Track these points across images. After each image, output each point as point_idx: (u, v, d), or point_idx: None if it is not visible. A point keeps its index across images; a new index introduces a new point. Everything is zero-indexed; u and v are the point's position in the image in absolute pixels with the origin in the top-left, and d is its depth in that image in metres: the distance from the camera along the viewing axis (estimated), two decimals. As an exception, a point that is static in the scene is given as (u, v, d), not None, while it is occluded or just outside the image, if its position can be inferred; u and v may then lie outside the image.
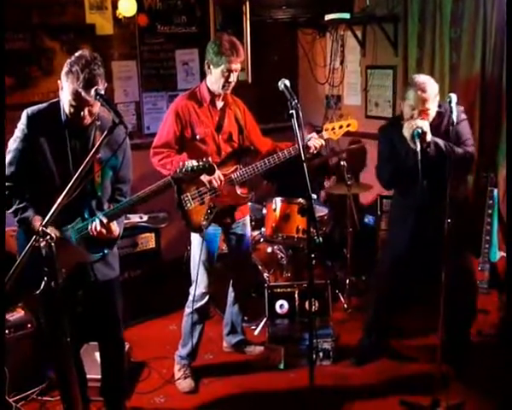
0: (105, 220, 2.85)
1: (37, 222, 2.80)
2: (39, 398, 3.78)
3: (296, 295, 4.38)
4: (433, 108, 3.58)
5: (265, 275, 4.58)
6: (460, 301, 3.87)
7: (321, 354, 4.16)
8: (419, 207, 3.62)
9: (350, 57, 5.98)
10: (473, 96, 4.61)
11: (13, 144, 2.90)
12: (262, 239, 4.90)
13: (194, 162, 2.95)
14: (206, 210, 3.71)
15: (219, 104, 3.81)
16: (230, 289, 4.28)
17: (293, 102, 2.81)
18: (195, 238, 3.86)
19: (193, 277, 3.87)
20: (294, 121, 2.79)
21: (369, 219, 5.51)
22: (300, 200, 4.48)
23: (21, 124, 2.89)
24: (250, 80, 6.08)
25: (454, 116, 3.31)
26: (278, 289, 4.41)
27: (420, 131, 3.42)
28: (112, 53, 5.33)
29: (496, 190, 4.25)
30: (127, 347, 3.96)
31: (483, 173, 4.34)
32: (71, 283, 2.80)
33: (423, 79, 3.59)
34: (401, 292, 4.07)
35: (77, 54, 2.76)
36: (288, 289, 4.41)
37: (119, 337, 3.37)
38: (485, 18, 4.54)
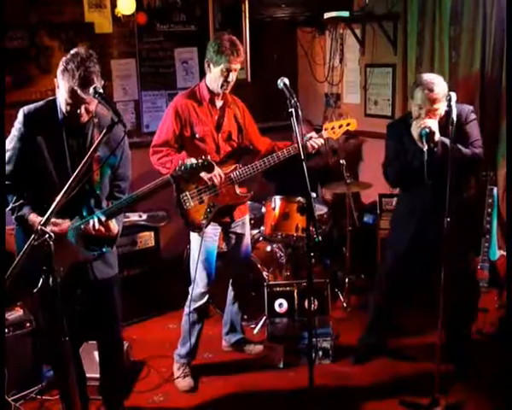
0: (103, 219, 2.84)
1: (34, 219, 2.80)
2: (38, 397, 3.77)
3: (295, 294, 4.38)
4: (441, 107, 3.53)
5: (265, 274, 4.58)
6: (462, 301, 3.87)
7: (320, 353, 4.16)
8: (424, 207, 3.60)
9: (349, 56, 5.97)
10: (472, 94, 4.60)
11: (10, 143, 2.88)
12: (261, 238, 4.90)
13: (193, 160, 2.94)
14: (205, 209, 3.70)
15: (219, 103, 3.80)
16: (230, 288, 4.27)
17: (293, 101, 2.80)
18: (195, 237, 3.85)
19: (192, 276, 3.86)
20: (294, 120, 2.78)
21: (368, 217, 5.51)
22: (300, 198, 4.47)
23: (18, 122, 2.88)
24: (249, 79, 6.07)
25: (454, 115, 3.29)
26: (277, 288, 4.41)
27: (427, 130, 3.40)
28: (111, 51, 5.33)
29: (495, 189, 4.24)
30: (126, 346, 3.96)
31: (482, 172, 4.32)
32: (70, 281, 2.80)
33: (431, 77, 3.55)
34: (403, 291, 4.05)
35: (72, 51, 2.75)
36: (288, 288, 4.40)
37: (118, 336, 3.37)
38: (484, 16, 4.53)
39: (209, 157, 2.98)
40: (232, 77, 3.65)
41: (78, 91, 2.69)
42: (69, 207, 2.66)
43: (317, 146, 3.78)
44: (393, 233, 4.14)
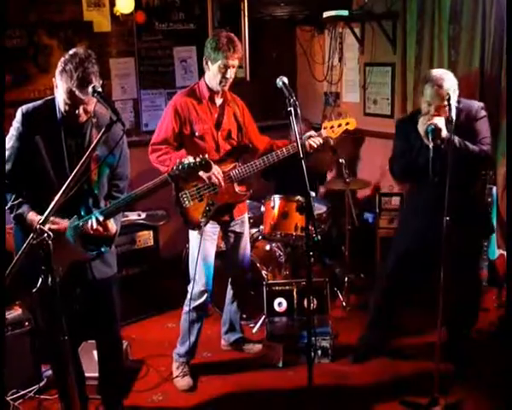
0: (101, 218, 2.83)
1: (33, 217, 2.79)
2: (37, 396, 3.77)
3: (294, 293, 4.37)
4: (451, 103, 3.50)
5: (264, 273, 4.57)
6: (465, 300, 3.86)
7: (319, 352, 4.16)
8: (429, 205, 3.58)
9: (348, 54, 5.97)
10: (471, 93, 4.59)
11: (8, 142, 2.88)
12: (260, 237, 4.90)
13: (191, 159, 2.94)
14: (204, 207, 3.70)
15: (218, 101, 3.80)
16: (229, 287, 4.27)
17: (292, 100, 2.80)
18: (194, 236, 3.85)
19: (191, 274, 3.86)
20: (293, 119, 2.78)
21: (367, 216, 5.51)
22: (299, 197, 4.47)
23: (16, 122, 2.87)
24: (248, 77, 6.07)
25: (453, 113, 3.29)
26: (276, 287, 4.40)
27: (433, 127, 3.38)
28: (109, 50, 5.32)
29: (494, 188, 4.25)
30: (125, 345, 3.96)
31: (482, 171, 4.33)
32: (68, 281, 2.79)
33: (440, 73, 3.52)
34: (405, 291, 4.04)
35: (71, 52, 2.74)
36: (287, 287, 4.40)
37: (117, 335, 3.36)
38: (484, 15, 4.54)
39: (206, 155, 2.98)
40: (230, 73, 3.65)
41: (77, 92, 2.68)
42: (67, 207, 2.66)
43: (315, 145, 3.77)
44: (399, 230, 4.13)
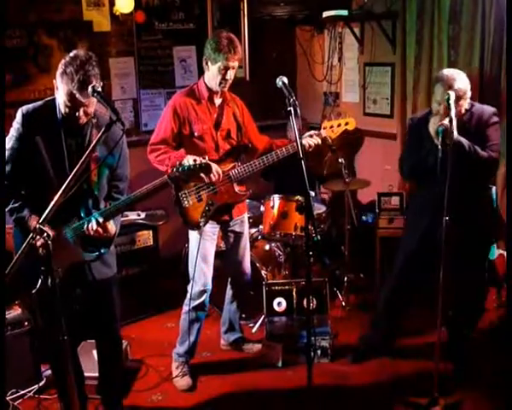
0: (101, 220, 2.84)
1: (34, 221, 2.79)
2: (36, 396, 3.77)
3: (294, 293, 4.38)
4: (462, 104, 3.51)
5: (263, 273, 4.57)
6: (469, 302, 3.86)
7: (319, 352, 4.16)
8: (436, 205, 3.55)
9: (348, 54, 5.97)
10: (471, 93, 4.59)
11: (8, 143, 2.88)
12: (260, 237, 4.90)
13: (191, 161, 2.95)
14: (204, 207, 3.70)
15: (218, 101, 3.80)
16: (228, 286, 4.27)
17: (291, 100, 2.80)
18: (193, 236, 3.85)
19: (191, 274, 3.86)
20: (292, 118, 2.78)
21: (367, 216, 5.51)
22: (298, 197, 4.47)
23: (16, 123, 2.87)
24: (248, 77, 6.06)
25: (452, 113, 3.29)
26: (276, 287, 4.40)
27: (443, 128, 3.34)
28: (109, 50, 5.31)
29: (494, 188, 4.25)
30: (125, 345, 3.96)
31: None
32: (68, 281, 2.79)
33: (452, 73, 3.51)
34: (412, 291, 4.03)
35: (71, 54, 2.73)
36: (286, 287, 4.40)
37: (117, 335, 3.36)
38: (483, 15, 4.54)
39: (207, 157, 2.99)
40: (230, 75, 3.65)
41: (77, 95, 2.68)
42: (67, 208, 2.66)
43: (313, 144, 3.76)
44: (406, 231, 4.12)
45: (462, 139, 3.41)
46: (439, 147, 3.30)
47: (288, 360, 4.14)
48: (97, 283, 3.07)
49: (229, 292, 4.28)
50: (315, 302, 4.33)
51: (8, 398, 3.64)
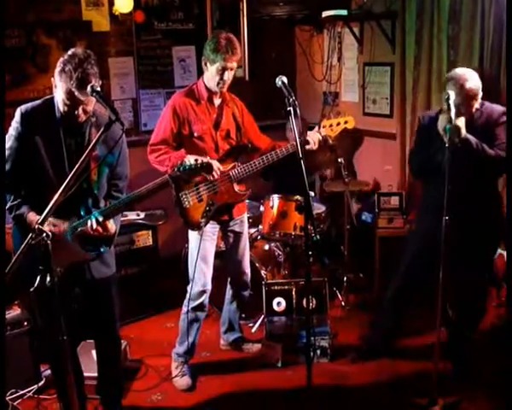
0: (101, 219, 2.83)
1: (33, 217, 2.79)
2: (36, 396, 3.77)
3: (293, 293, 4.38)
4: (473, 104, 3.50)
5: (263, 272, 4.57)
6: (472, 303, 3.85)
7: (318, 352, 4.16)
8: (441, 205, 3.53)
9: (347, 54, 5.97)
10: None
11: (7, 143, 2.87)
12: (259, 236, 4.89)
13: (192, 161, 2.94)
14: (204, 208, 3.70)
15: (217, 101, 3.80)
16: (228, 286, 4.27)
17: (291, 99, 2.79)
18: (193, 236, 3.85)
19: (190, 274, 3.86)
20: (292, 118, 2.78)
21: (366, 216, 5.51)
22: (298, 197, 4.47)
23: (15, 122, 2.87)
24: (247, 77, 6.06)
25: (452, 113, 3.29)
26: (275, 287, 4.40)
27: (451, 125, 3.31)
28: (108, 50, 5.31)
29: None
30: (124, 345, 3.96)
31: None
32: (67, 281, 2.79)
33: (464, 72, 3.49)
34: (417, 290, 4.02)
35: (70, 52, 2.73)
36: (286, 287, 4.40)
37: (116, 335, 3.36)
38: (482, 15, 4.54)
39: (208, 157, 2.99)
40: (228, 75, 3.65)
41: (76, 93, 2.68)
42: (67, 207, 2.66)
43: (317, 139, 3.76)
44: (413, 230, 4.11)
45: (470, 137, 3.40)
46: (447, 145, 3.29)
47: (287, 359, 4.14)
48: (96, 282, 3.06)
49: (228, 292, 4.28)
50: (314, 302, 4.33)
51: (7, 398, 3.64)
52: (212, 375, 4.07)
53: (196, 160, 2.97)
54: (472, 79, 3.46)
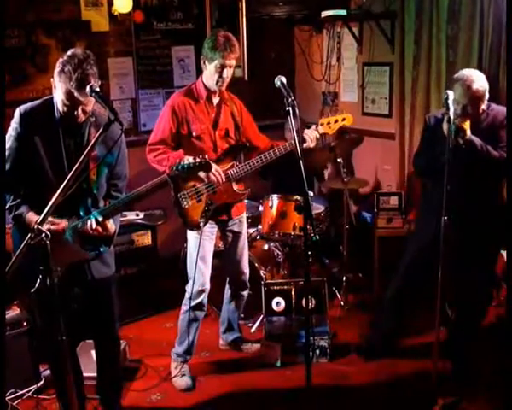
0: (100, 219, 2.83)
1: (32, 217, 2.79)
2: (35, 396, 3.77)
3: (293, 293, 4.38)
4: (480, 105, 3.49)
5: (262, 272, 4.57)
6: (475, 303, 3.85)
7: (317, 352, 4.16)
8: (445, 206, 3.53)
9: (346, 54, 5.97)
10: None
11: (6, 143, 2.87)
12: (258, 236, 4.90)
13: (191, 160, 2.94)
14: (203, 208, 3.70)
15: (215, 100, 3.80)
16: (227, 286, 4.27)
17: (290, 99, 2.80)
18: (191, 236, 3.85)
19: (189, 274, 3.86)
20: (291, 118, 2.78)
21: (365, 216, 5.51)
22: (297, 197, 4.47)
23: (14, 122, 2.87)
24: (246, 77, 6.06)
25: (451, 113, 3.28)
26: (275, 287, 4.41)
27: (457, 126, 3.33)
28: (107, 50, 5.31)
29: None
30: (123, 345, 3.96)
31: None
32: (67, 281, 2.79)
33: (471, 74, 3.48)
34: (419, 290, 4.01)
35: (69, 53, 2.73)
36: (285, 287, 4.40)
37: (115, 335, 3.37)
38: (481, 15, 4.54)
39: (206, 156, 2.98)
40: (227, 73, 3.64)
41: (75, 94, 2.68)
42: (66, 207, 2.67)
43: (313, 137, 3.75)
44: (415, 230, 4.10)
45: (475, 139, 3.41)
46: (451, 146, 3.28)
47: (286, 359, 4.14)
48: (96, 282, 3.07)
49: (227, 292, 4.28)
50: (313, 302, 4.33)
51: (6, 398, 3.64)
52: (211, 375, 4.08)
53: (195, 158, 2.97)
54: (479, 80, 3.46)
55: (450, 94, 3.34)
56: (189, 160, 2.98)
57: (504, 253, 4.24)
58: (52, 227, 2.71)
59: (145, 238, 4.86)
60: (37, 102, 2.92)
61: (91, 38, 5.15)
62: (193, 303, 3.88)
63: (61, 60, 2.72)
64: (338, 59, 6.04)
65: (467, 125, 3.38)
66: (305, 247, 2.77)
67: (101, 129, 2.49)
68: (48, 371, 3.74)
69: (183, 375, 3.96)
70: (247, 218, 4.41)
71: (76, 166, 2.44)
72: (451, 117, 3.27)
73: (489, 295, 4.04)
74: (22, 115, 2.85)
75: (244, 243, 4.11)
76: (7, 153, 2.86)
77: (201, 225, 3.69)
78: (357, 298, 5.10)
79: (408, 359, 4.12)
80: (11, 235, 3.01)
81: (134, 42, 5.45)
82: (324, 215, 5.08)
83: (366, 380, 3.95)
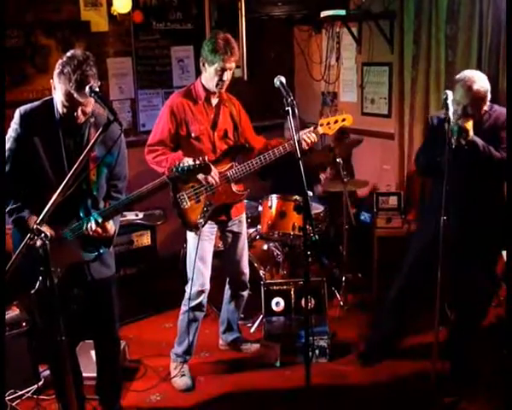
0: (100, 220, 2.84)
1: (33, 221, 2.78)
2: (35, 397, 3.77)
3: (292, 293, 4.38)
4: (482, 106, 3.49)
5: (261, 272, 4.57)
6: (476, 303, 3.84)
7: (317, 352, 4.16)
8: (444, 206, 3.52)
9: (346, 54, 5.98)
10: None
11: (6, 144, 2.87)
12: (258, 236, 4.90)
13: (190, 162, 2.95)
14: (202, 208, 3.70)
15: (214, 101, 3.80)
16: (226, 286, 4.27)
17: (289, 99, 2.80)
18: (191, 236, 3.85)
19: (189, 274, 3.86)
20: (290, 118, 2.78)
21: (365, 216, 5.51)
22: (296, 197, 4.48)
23: (14, 123, 2.87)
24: (246, 77, 6.05)
25: (450, 113, 3.28)
26: (274, 287, 4.41)
27: (459, 127, 3.33)
28: (107, 50, 5.31)
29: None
30: (123, 345, 3.96)
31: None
32: (66, 282, 2.79)
33: (473, 74, 3.48)
34: (419, 291, 4.01)
35: (68, 54, 2.73)
36: (284, 287, 4.40)
37: (115, 335, 3.37)
38: (481, 15, 4.54)
39: (206, 157, 2.99)
40: (227, 76, 3.64)
41: (75, 95, 2.68)
42: (66, 208, 2.66)
43: (309, 141, 3.75)
44: (416, 230, 4.10)
45: (477, 139, 3.40)
46: (453, 146, 3.28)
47: (286, 359, 4.14)
48: (96, 282, 3.07)
49: (227, 292, 4.28)
50: (313, 302, 4.33)
51: (6, 399, 3.63)
52: (210, 375, 4.08)
53: (194, 160, 2.97)
54: (480, 81, 3.46)
55: (450, 94, 3.34)
56: (188, 162, 2.98)
57: (504, 253, 4.24)
58: (50, 232, 2.71)
59: (145, 239, 4.86)
60: (36, 102, 2.92)
61: (91, 38, 5.16)
62: (192, 304, 3.88)
63: (60, 61, 2.72)
64: (337, 59, 6.04)
65: (470, 125, 3.38)
66: (305, 247, 2.77)
67: (100, 129, 2.49)
68: (47, 372, 3.74)
69: (183, 375, 3.96)
70: (247, 218, 4.41)
71: (75, 166, 2.44)
72: (451, 117, 3.27)
73: (489, 295, 4.04)
74: (22, 116, 2.85)
75: (244, 243, 4.11)
76: (7, 154, 2.86)
77: (200, 225, 3.69)
78: (356, 298, 5.10)
79: (407, 359, 4.12)
80: (11, 235, 3.01)
81: (133, 42, 5.45)
82: (324, 215, 5.08)
83: (365, 380, 3.95)
